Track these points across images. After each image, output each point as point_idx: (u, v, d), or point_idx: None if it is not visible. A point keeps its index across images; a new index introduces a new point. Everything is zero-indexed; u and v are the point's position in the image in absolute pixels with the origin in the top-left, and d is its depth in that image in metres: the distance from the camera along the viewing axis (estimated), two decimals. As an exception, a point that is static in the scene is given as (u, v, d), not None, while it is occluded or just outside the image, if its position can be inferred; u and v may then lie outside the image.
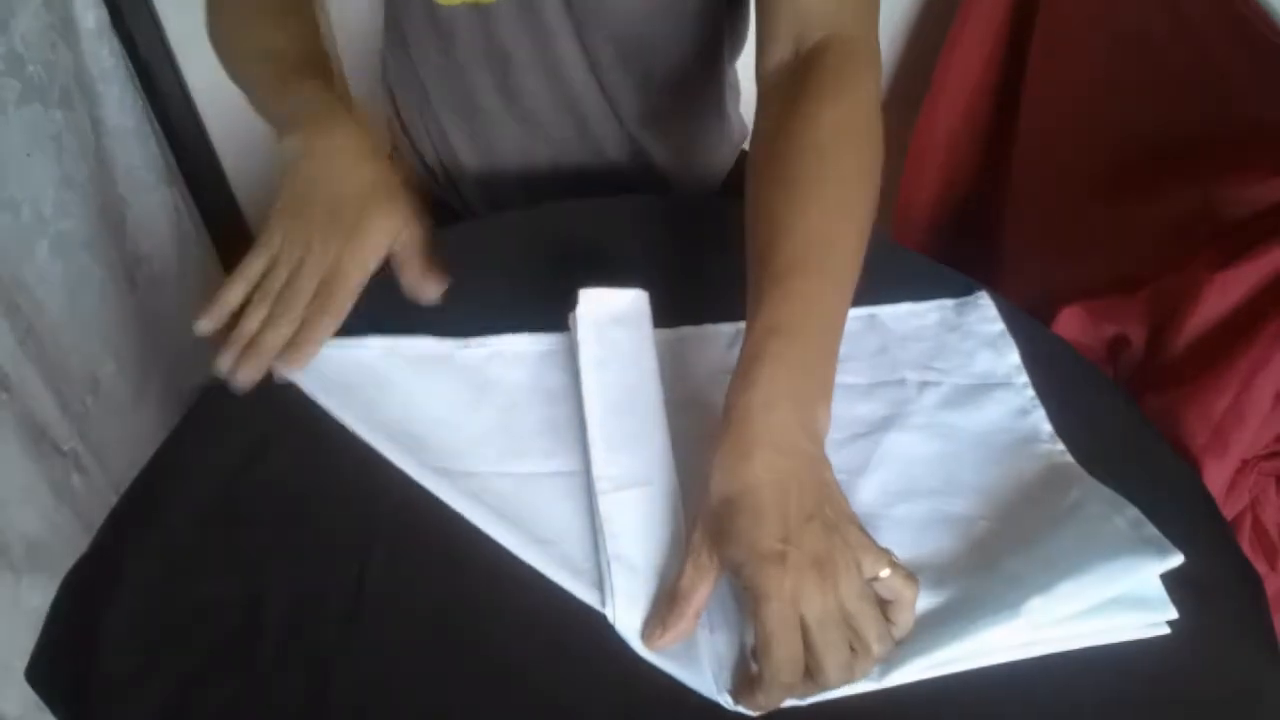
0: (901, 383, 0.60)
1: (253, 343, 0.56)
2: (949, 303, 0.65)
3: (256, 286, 0.58)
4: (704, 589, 0.46)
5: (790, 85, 0.58)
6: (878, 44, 0.61)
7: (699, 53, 0.77)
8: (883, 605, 0.44)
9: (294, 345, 0.56)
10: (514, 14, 0.69)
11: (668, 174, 0.83)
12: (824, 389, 0.48)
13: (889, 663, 0.45)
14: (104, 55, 1.02)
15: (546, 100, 0.75)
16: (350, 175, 0.60)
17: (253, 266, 0.58)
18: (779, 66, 0.60)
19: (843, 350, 0.61)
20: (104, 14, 1.02)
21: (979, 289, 0.66)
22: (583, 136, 0.79)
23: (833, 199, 0.53)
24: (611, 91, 0.75)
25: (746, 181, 0.57)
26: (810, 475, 0.45)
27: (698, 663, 0.47)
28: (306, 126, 0.61)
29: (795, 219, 0.52)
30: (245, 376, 0.55)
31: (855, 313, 0.63)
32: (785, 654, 0.42)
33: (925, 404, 0.59)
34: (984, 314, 0.64)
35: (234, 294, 0.57)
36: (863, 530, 0.45)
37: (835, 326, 0.50)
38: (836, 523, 0.44)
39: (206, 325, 0.57)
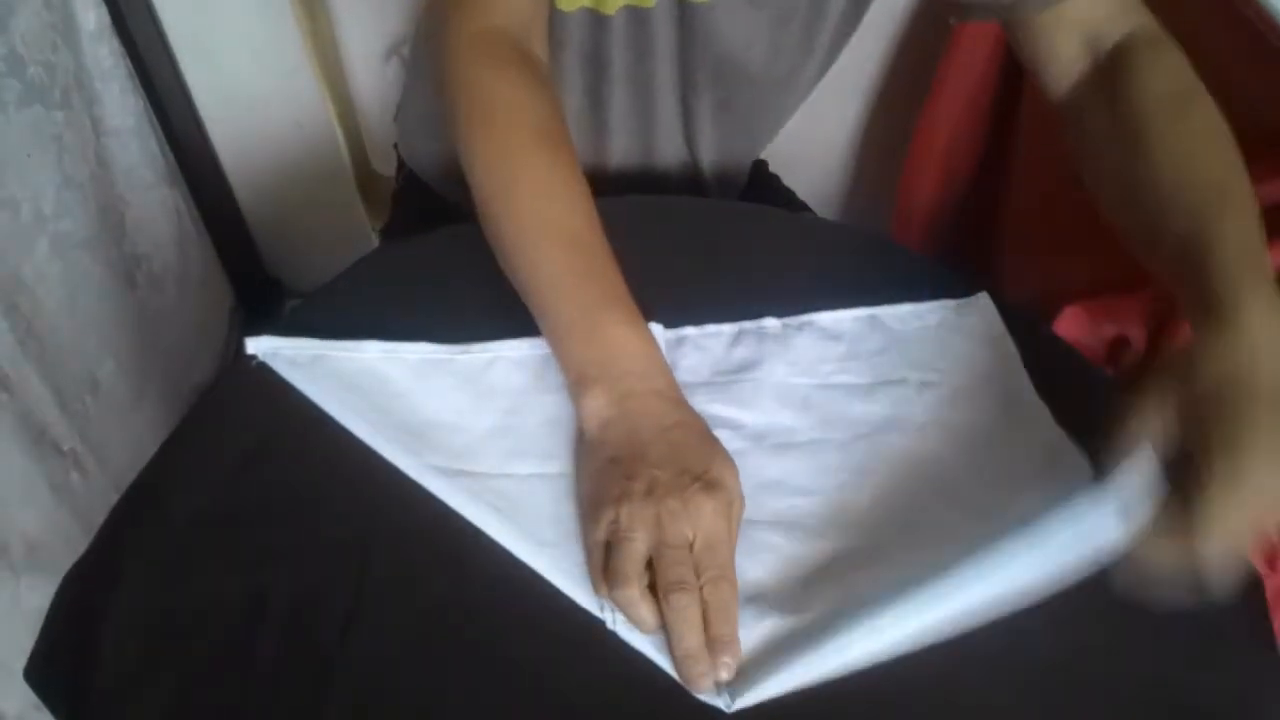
0: (903, 383, 0.60)
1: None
2: (950, 304, 0.65)
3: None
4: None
5: (1108, 82, 0.61)
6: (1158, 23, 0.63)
7: (784, 82, 0.78)
8: None
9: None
10: (625, 26, 0.69)
11: (705, 180, 0.84)
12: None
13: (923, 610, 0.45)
14: (104, 55, 1.02)
15: (626, 108, 0.76)
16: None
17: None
18: (1081, 78, 0.64)
19: (844, 350, 0.62)
20: (104, 14, 1.02)
21: (979, 290, 0.66)
22: (644, 144, 0.79)
23: (1216, 146, 0.57)
24: (690, 109, 0.77)
25: (1108, 169, 0.60)
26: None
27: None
28: (626, 392, 0.52)
29: (1199, 170, 0.55)
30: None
31: (856, 313, 0.64)
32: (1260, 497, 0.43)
33: (926, 404, 0.59)
34: (984, 315, 0.64)
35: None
36: None
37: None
38: None
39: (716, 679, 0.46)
